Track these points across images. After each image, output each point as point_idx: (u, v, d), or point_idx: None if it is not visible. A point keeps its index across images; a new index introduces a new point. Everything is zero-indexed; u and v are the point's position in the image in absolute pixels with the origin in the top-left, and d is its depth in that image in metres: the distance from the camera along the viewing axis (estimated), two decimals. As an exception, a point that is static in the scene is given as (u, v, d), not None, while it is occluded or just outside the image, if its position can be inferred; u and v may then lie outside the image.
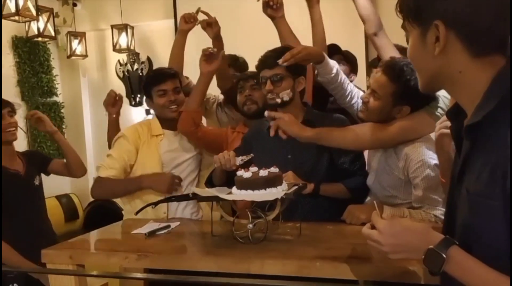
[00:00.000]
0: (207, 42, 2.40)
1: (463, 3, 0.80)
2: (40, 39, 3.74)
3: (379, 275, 1.14)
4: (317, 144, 1.69)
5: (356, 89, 1.92)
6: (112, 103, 2.35)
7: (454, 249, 0.82)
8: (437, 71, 0.86)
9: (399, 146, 1.60)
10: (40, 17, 3.49)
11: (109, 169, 1.96)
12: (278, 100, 1.75)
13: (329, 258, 1.24)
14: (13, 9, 2.66)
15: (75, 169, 2.35)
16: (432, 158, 1.51)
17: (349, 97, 1.87)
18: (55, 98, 4.60)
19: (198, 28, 2.49)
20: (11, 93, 4.28)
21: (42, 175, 2.37)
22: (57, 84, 4.66)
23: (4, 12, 2.67)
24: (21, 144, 3.95)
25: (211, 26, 2.30)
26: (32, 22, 3.43)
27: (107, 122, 2.48)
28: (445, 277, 0.85)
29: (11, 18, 2.69)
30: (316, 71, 1.89)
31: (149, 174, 1.97)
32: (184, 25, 2.34)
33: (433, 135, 1.38)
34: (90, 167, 4.06)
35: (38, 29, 3.53)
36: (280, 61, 1.69)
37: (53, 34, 3.72)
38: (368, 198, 1.77)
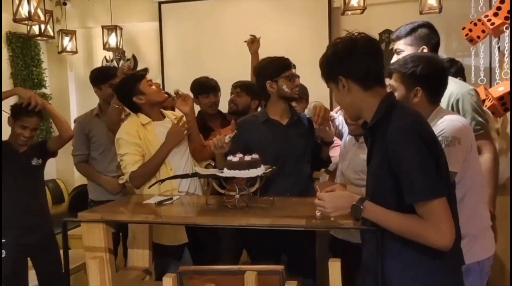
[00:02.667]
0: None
1: (348, 61, 1.39)
2: (39, 38, 4.11)
3: (325, 225, 1.71)
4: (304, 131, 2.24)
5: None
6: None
7: (366, 203, 1.39)
8: (351, 104, 1.45)
9: None
10: (40, 18, 3.85)
11: (134, 163, 2.30)
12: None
13: (293, 217, 1.79)
14: (24, 15, 3.05)
15: (64, 131, 2.69)
16: None
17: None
18: (44, 90, 4.94)
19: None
20: (5, 85, 4.60)
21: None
22: (46, 77, 5.01)
23: (17, 17, 3.06)
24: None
25: (253, 43, 2.93)
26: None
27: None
28: (365, 221, 1.43)
29: (23, 22, 3.08)
30: None
31: (163, 142, 2.35)
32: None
33: None
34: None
35: (40, 29, 3.91)
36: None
37: (52, 34, 4.10)
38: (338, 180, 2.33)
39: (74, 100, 5.22)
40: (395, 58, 2.22)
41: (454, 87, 2.07)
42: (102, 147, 3.07)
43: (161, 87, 2.54)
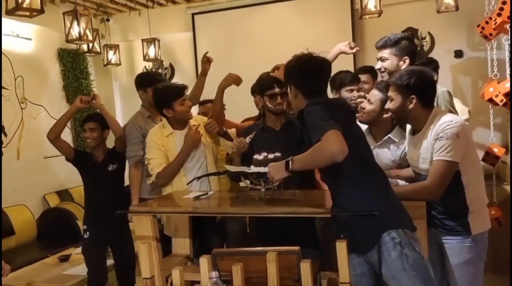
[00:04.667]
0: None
1: (298, 75, 1.90)
2: (87, 54, 4.59)
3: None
4: (295, 134, 2.48)
5: None
6: None
7: (293, 158, 1.77)
8: (299, 106, 1.91)
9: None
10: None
11: (159, 166, 2.63)
12: (284, 108, 2.54)
13: (310, 205, 2.06)
14: (75, 36, 3.48)
15: (116, 129, 3.11)
16: None
17: None
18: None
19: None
20: (58, 96, 5.15)
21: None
22: (94, 87, 5.52)
23: (69, 38, 3.48)
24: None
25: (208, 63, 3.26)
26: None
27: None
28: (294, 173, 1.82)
29: (75, 42, 3.51)
30: None
31: (182, 147, 2.65)
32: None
33: None
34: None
35: (88, 47, 4.37)
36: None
37: (99, 50, 4.56)
38: None
39: (119, 107, 5.70)
40: (379, 64, 2.48)
41: None
42: None
43: (191, 106, 2.79)
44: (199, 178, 2.52)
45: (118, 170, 3.17)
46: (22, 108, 4.62)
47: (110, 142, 3.25)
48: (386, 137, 2.39)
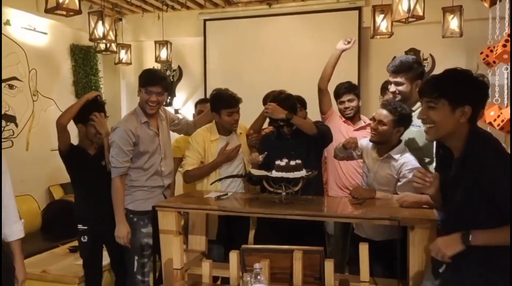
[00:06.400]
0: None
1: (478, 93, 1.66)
2: (104, 53, 4.72)
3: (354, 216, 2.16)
4: (306, 141, 2.68)
5: None
6: None
7: (473, 232, 1.55)
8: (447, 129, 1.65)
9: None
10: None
11: (191, 165, 2.84)
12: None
13: (329, 210, 2.24)
14: (98, 36, 3.61)
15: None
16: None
17: None
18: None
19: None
20: (68, 91, 5.25)
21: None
22: (102, 84, 5.62)
23: (93, 37, 3.62)
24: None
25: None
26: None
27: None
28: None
29: (98, 41, 3.64)
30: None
31: (216, 159, 2.84)
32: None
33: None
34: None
35: (106, 45, 4.49)
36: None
37: (115, 49, 4.69)
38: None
39: (125, 105, 5.81)
40: (393, 88, 2.62)
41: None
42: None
43: (238, 120, 2.92)
44: (220, 179, 2.68)
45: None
46: (34, 100, 4.71)
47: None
48: (386, 154, 2.54)
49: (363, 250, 1.88)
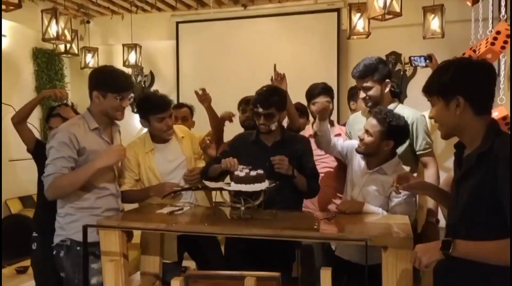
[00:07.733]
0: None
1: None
2: (64, 55, 4.40)
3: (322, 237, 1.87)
4: (287, 154, 2.32)
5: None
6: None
7: (457, 241, 1.39)
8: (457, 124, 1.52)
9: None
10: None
11: (125, 185, 2.47)
12: (270, 128, 2.39)
13: (293, 228, 1.95)
14: (52, 35, 3.31)
15: None
16: None
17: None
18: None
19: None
20: (30, 97, 4.84)
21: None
22: (68, 90, 5.29)
23: (46, 36, 3.32)
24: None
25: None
26: (58, 40, 4.07)
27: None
28: None
29: (51, 41, 3.34)
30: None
31: (153, 185, 2.48)
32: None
33: None
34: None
35: (66, 47, 4.18)
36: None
37: (76, 51, 4.38)
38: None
39: (94, 112, 5.49)
40: (363, 94, 2.43)
41: (408, 112, 2.40)
42: None
43: (172, 126, 2.57)
44: (174, 192, 2.37)
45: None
46: (-11, 107, 4.37)
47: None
48: (378, 168, 2.28)
49: (325, 277, 1.59)
